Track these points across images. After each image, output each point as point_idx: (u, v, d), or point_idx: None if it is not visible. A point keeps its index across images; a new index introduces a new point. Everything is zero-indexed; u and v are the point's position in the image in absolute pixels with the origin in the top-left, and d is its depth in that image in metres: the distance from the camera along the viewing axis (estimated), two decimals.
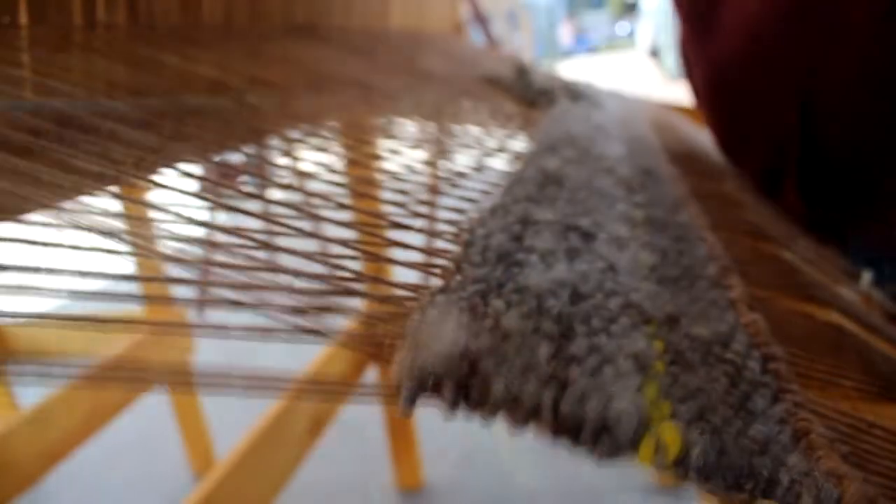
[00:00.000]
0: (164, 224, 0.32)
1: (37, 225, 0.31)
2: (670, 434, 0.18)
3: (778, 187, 0.70)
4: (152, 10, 0.52)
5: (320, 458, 1.18)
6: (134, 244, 0.32)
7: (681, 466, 0.18)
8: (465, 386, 0.18)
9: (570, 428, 0.18)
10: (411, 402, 0.18)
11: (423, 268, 0.26)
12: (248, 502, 0.94)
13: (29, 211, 0.33)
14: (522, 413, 0.18)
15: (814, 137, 0.62)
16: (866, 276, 0.59)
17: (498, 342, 0.20)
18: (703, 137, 0.89)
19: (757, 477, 0.18)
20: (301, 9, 0.77)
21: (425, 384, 0.18)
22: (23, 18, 0.41)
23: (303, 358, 1.27)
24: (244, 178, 0.45)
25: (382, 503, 1.53)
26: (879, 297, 0.56)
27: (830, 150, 0.62)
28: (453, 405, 0.18)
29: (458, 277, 0.25)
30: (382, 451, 1.54)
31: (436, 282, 0.25)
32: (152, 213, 0.33)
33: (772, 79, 0.64)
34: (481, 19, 2.00)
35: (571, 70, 1.76)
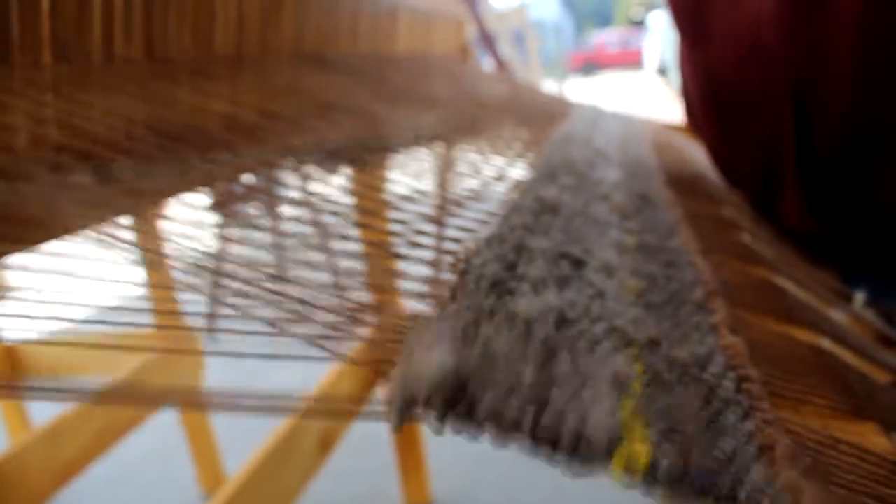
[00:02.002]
0: (178, 251, 0.34)
1: (53, 252, 0.33)
2: (640, 449, 0.20)
3: (777, 194, 0.71)
4: (167, 45, 0.54)
5: (329, 475, 1.20)
6: (148, 269, 0.34)
7: (650, 479, 0.20)
8: (452, 404, 0.20)
9: (548, 443, 0.20)
10: (400, 419, 0.20)
11: (421, 297, 0.28)
12: None
13: (48, 239, 0.35)
14: (505, 429, 0.20)
15: (811, 137, 0.63)
16: (859, 298, 0.60)
17: (486, 364, 0.23)
18: (703, 157, 0.91)
19: (719, 488, 0.20)
20: (309, 37, 0.79)
21: (415, 402, 0.20)
22: (46, 58, 0.43)
23: (311, 380, 1.29)
24: (252, 205, 0.47)
25: None
26: (871, 318, 0.58)
27: (828, 150, 0.63)
28: (441, 421, 0.20)
29: (454, 305, 0.27)
30: (391, 467, 1.55)
31: (432, 310, 0.27)
32: (166, 241, 0.35)
33: (764, 80, 0.66)
34: (488, 40, 2.03)
35: (579, 88, 1.78)
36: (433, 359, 0.21)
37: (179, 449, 1.59)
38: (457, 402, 0.20)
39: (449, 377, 0.21)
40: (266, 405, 0.22)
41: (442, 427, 0.20)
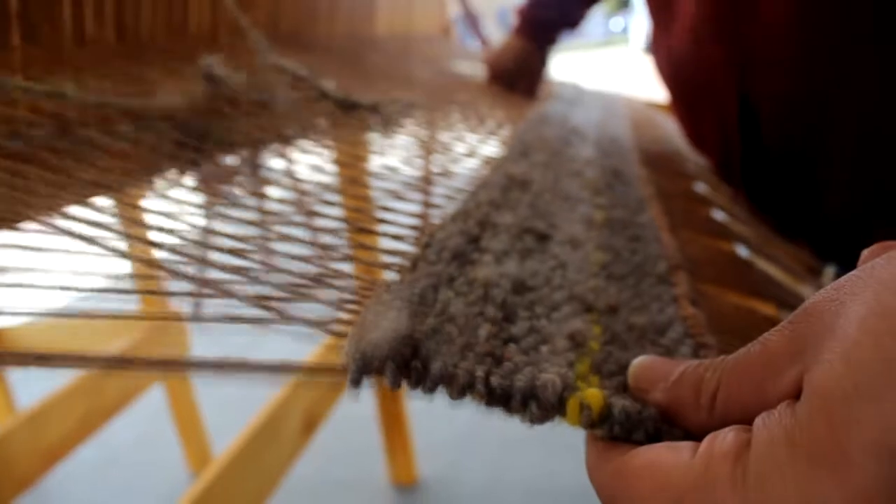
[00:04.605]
0: (160, 226, 0.34)
1: (36, 230, 0.34)
2: (593, 396, 0.21)
3: (731, 180, 0.72)
4: (139, 26, 0.54)
5: (315, 455, 1.21)
6: (130, 245, 0.34)
7: (606, 424, 0.21)
8: (405, 366, 0.21)
9: (500, 398, 0.21)
10: (357, 381, 0.20)
11: (383, 267, 0.29)
12: (245, 499, 0.96)
13: (28, 217, 0.35)
14: (458, 387, 0.21)
15: (755, 133, 0.64)
16: (829, 272, 0.61)
17: (442, 324, 0.23)
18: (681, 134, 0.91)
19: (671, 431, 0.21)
20: (286, 18, 0.79)
21: (369, 366, 0.20)
22: (15, 39, 0.43)
23: (295, 355, 1.30)
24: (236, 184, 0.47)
25: (377, 498, 1.56)
26: None
27: (773, 142, 0.64)
28: (395, 384, 0.21)
29: (414, 273, 0.27)
30: (376, 447, 1.56)
31: (393, 277, 0.27)
32: (148, 216, 0.36)
33: (713, 73, 0.66)
34: (472, 19, 2.01)
35: (565, 67, 1.78)
36: (387, 323, 0.21)
37: (167, 430, 1.60)
38: (410, 364, 0.21)
39: (401, 340, 0.21)
40: (252, 369, 0.23)
41: (397, 388, 0.21)
